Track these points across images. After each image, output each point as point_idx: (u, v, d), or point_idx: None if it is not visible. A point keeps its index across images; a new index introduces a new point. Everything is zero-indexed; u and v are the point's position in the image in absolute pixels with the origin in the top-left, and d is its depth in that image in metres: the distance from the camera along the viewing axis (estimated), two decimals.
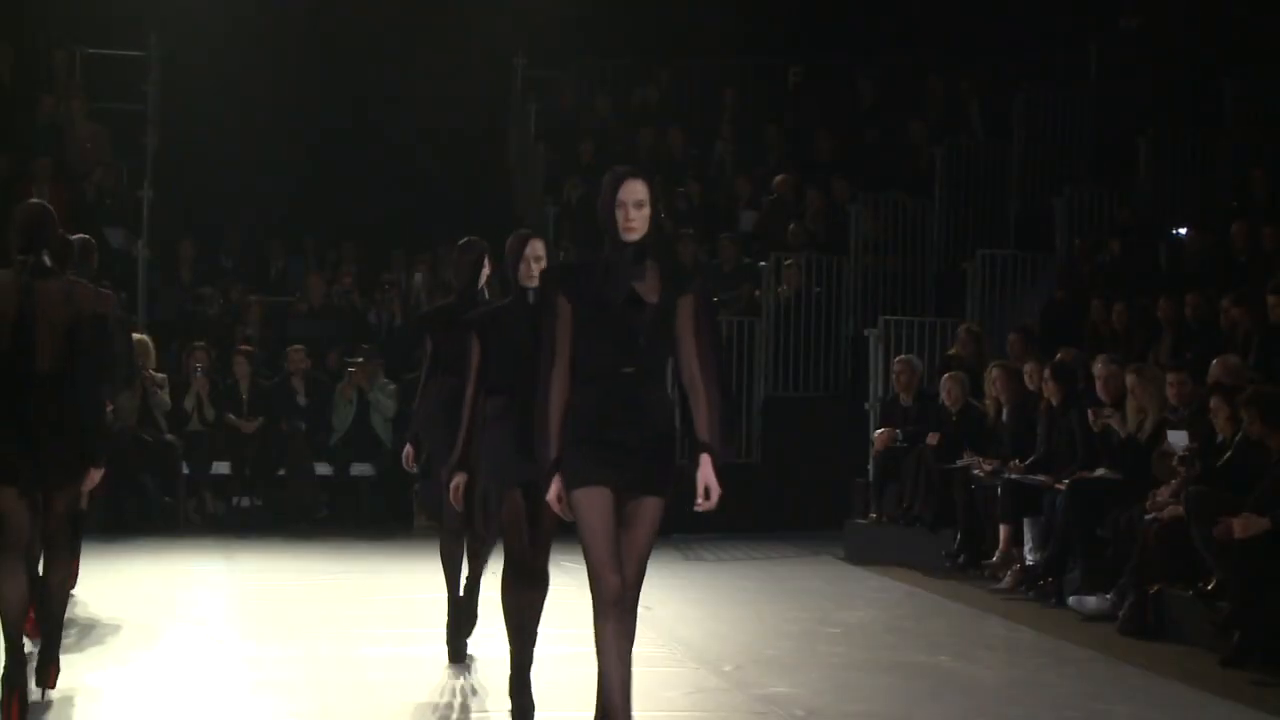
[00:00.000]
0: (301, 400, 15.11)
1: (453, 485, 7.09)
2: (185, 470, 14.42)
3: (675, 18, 18.43)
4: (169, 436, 14.37)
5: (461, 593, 8.28)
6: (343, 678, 8.04)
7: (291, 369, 15.12)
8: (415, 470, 8.31)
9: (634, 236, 5.73)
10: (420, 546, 13.63)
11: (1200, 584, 9.40)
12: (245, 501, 14.91)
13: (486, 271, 8.18)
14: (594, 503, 5.67)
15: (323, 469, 15.05)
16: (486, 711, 7.35)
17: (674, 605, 10.08)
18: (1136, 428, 10.78)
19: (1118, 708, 7.77)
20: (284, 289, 17.11)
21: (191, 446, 14.53)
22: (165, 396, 14.42)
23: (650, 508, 5.76)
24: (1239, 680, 8.41)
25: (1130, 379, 10.83)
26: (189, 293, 16.44)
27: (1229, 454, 9.56)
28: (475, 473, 6.95)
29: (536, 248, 7.02)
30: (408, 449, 8.35)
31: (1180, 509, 9.52)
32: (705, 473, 5.77)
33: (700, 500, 5.74)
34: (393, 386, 15.19)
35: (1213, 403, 9.87)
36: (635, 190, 5.71)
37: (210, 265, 17.10)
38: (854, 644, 9.17)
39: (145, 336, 14.13)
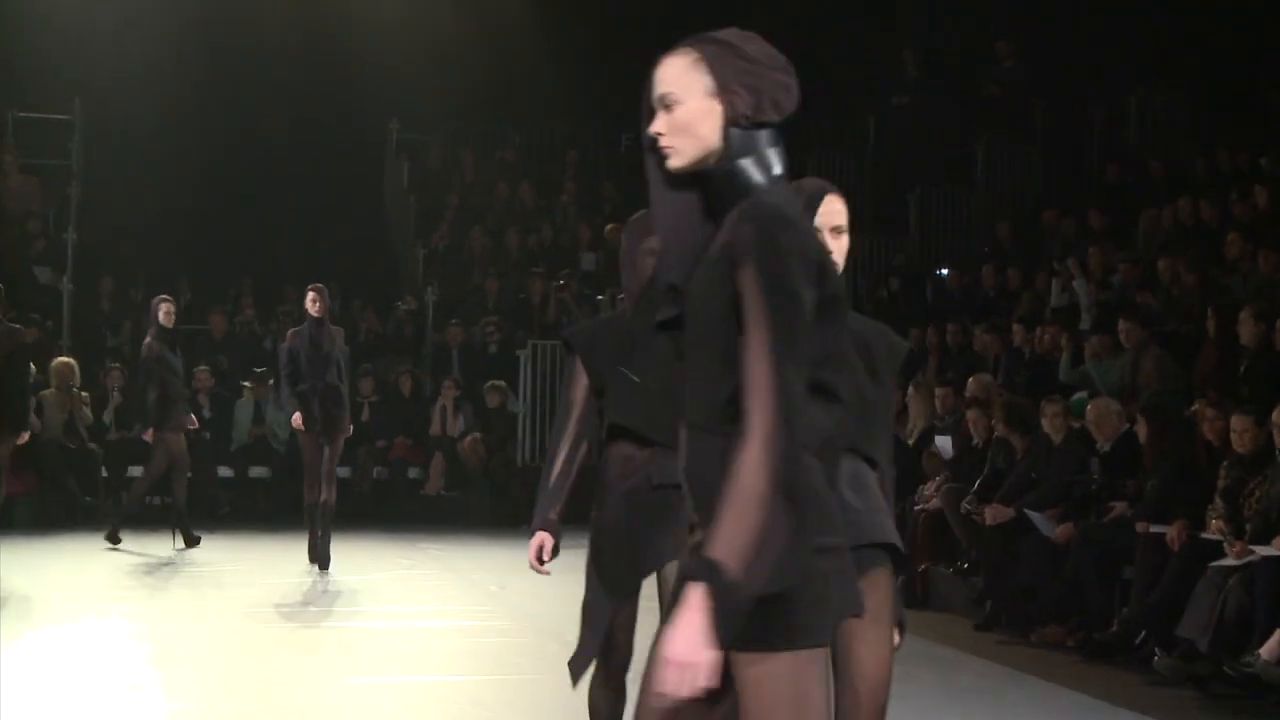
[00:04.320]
0: (207, 413, 14.85)
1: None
2: (104, 474, 14.09)
3: (528, 91, 18.48)
4: (91, 445, 14.07)
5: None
6: (236, 646, 7.89)
7: (198, 386, 14.87)
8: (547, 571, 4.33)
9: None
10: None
11: (959, 562, 9.62)
12: (157, 500, 14.56)
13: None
14: (825, 672, 2.66)
15: (225, 471, 14.78)
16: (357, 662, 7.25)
17: (527, 585, 10.00)
18: (909, 433, 10.96)
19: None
20: (190, 319, 16.79)
21: (110, 453, 14.20)
22: (88, 411, 14.15)
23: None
24: (988, 640, 8.60)
25: (909, 391, 11.02)
26: (108, 322, 16.11)
27: (987, 455, 9.76)
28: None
29: None
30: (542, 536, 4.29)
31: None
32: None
33: None
34: None
35: (969, 415, 10.08)
36: None
37: (126, 299, 16.77)
38: None
39: (71, 360, 14.02)
